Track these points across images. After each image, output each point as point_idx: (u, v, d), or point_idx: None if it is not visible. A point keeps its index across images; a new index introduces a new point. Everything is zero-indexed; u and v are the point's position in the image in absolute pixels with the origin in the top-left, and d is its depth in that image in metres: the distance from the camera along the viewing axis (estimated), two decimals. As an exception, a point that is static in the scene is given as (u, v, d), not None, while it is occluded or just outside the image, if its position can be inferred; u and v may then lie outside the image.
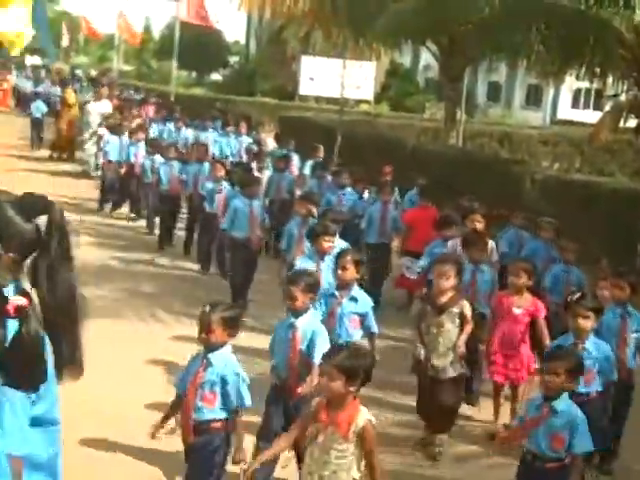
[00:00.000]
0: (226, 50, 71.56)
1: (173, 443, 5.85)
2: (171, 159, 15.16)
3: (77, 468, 5.02)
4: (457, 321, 7.16)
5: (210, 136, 20.80)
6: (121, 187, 17.33)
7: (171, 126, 22.07)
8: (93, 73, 53.96)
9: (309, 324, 6.26)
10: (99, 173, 19.25)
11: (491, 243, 10.19)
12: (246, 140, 20.13)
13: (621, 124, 17.48)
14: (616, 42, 15.61)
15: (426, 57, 36.62)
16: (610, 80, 18.09)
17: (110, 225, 16.21)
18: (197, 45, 55.27)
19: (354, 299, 7.18)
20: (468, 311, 7.21)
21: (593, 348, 6.64)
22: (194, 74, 68.76)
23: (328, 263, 7.97)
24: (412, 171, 15.52)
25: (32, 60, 64.13)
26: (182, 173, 14.91)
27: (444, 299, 7.15)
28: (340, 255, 7.32)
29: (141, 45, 60.60)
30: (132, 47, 63.15)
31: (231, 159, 18.77)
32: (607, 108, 19.04)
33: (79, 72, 51.26)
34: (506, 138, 28.68)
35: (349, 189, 13.55)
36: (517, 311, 7.76)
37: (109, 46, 69.66)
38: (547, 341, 7.50)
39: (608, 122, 17.67)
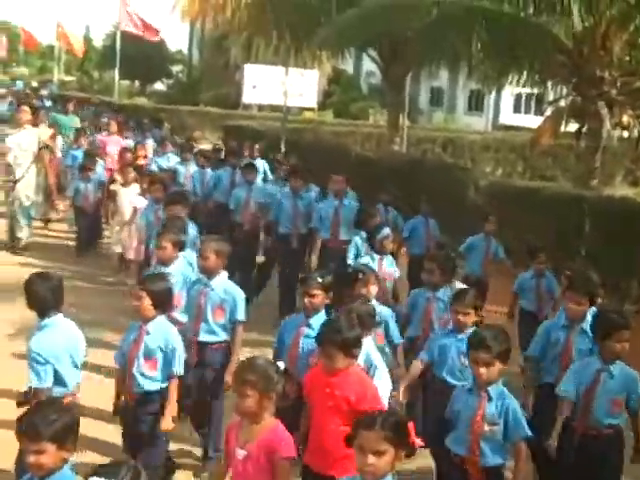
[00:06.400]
0: (169, 60, 71.13)
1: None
2: None
3: None
4: None
5: None
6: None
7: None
8: (34, 84, 53.36)
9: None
10: None
11: None
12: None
13: (562, 129, 17.62)
14: (555, 48, 15.76)
15: (368, 63, 36.72)
16: (550, 85, 18.28)
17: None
18: (139, 55, 54.90)
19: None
20: None
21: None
22: (137, 84, 68.23)
23: None
24: (356, 178, 14.67)
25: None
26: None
27: None
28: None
29: (82, 55, 60.11)
30: (73, 57, 62.60)
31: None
32: (548, 113, 19.15)
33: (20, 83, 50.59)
34: (449, 143, 28.88)
35: None
36: None
37: (49, 57, 68.80)
38: None
39: (549, 127, 17.76)
